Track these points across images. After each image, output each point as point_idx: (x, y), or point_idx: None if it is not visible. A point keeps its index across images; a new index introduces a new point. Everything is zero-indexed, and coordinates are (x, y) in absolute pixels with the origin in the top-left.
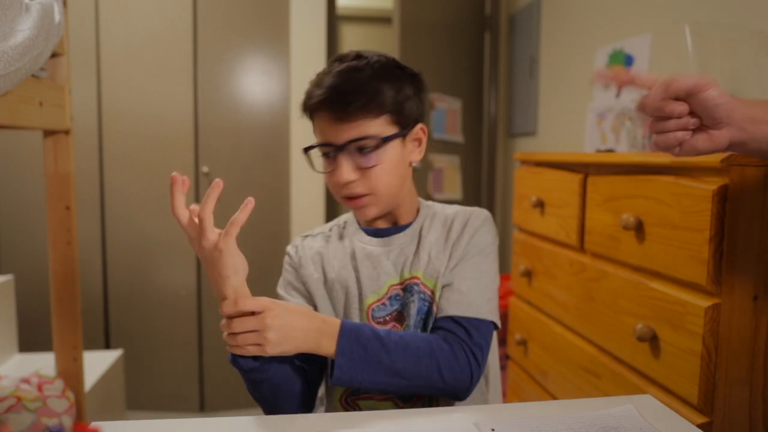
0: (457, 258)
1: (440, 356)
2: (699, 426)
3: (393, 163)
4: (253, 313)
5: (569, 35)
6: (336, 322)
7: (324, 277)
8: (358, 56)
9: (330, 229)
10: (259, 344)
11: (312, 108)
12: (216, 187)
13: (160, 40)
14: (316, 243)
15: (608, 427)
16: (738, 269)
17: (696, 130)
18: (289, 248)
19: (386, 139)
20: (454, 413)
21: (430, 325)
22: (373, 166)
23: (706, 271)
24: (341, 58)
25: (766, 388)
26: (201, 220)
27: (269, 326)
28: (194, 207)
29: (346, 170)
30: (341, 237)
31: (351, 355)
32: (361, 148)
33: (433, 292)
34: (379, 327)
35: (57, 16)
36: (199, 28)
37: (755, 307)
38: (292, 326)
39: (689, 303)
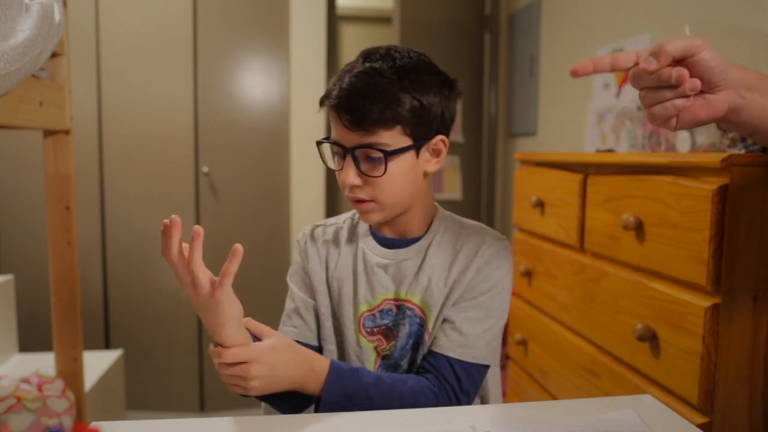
0: (460, 290)
1: (425, 407)
2: (699, 426)
3: (401, 175)
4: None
5: (569, 35)
6: (324, 369)
7: (326, 274)
8: (388, 54)
9: (343, 222)
10: (244, 387)
11: (328, 106)
12: (197, 237)
13: (160, 40)
14: (327, 235)
15: (607, 431)
16: (738, 269)
17: (693, 97)
18: (300, 237)
19: (393, 153)
20: (452, 414)
21: (421, 349)
22: (379, 176)
23: (706, 271)
24: (370, 54)
25: (766, 388)
26: (192, 271)
27: (253, 376)
28: (185, 246)
29: (351, 174)
30: (351, 234)
31: (335, 407)
32: (369, 155)
33: (426, 316)
34: (367, 337)
35: (57, 16)
36: (199, 28)
37: (755, 307)
38: (277, 374)
39: (689, 303)
